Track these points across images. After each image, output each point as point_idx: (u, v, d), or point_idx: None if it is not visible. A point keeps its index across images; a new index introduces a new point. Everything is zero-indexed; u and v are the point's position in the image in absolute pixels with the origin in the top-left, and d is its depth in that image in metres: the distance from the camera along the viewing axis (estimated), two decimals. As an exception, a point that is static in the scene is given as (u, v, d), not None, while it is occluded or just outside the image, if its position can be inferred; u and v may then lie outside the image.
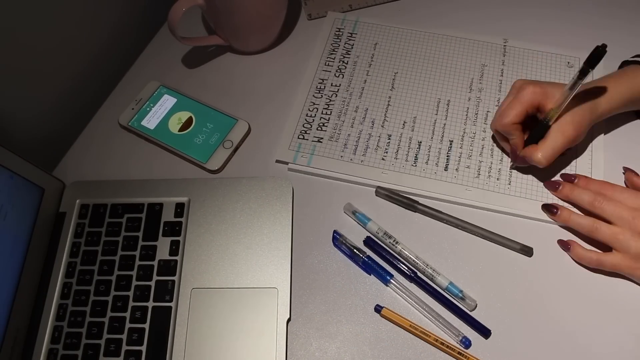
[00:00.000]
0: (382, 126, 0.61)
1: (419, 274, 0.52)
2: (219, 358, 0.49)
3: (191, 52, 0.69)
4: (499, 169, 0.57)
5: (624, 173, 0.57)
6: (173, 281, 0.52)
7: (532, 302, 0.51)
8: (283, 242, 0.54)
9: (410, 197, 0.56)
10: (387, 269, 0.53)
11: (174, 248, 0.54)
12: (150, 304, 0.51)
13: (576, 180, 0.55)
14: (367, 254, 0.53)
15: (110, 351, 0.49)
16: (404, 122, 0.61)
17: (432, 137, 0.60)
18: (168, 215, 0.56)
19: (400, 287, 0.51)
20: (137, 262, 0.53)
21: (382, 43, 0.68)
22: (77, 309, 0.51)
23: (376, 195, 0.56)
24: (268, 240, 0.54)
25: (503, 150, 0.59)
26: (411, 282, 0.52)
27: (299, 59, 0.68)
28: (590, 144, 0.59)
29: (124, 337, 0.50)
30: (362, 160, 0.58)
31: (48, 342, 0.50)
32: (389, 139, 0.60)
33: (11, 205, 0.49)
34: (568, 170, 0.57)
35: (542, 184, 0.56)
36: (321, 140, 0.60)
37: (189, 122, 0.62)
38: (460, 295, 0.50)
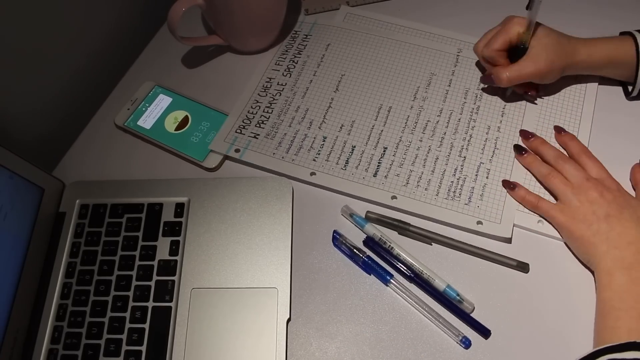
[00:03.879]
0: (319, 127, 0.61)
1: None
2: (219, 358, 0.49)
3: (191, 52, 0.69)
4: (429, 180, 0.57)
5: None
6: (173, 281, 0.52)
7: (531, 304, 0.51)
8: (283, 242, 0.54)
9: (402, 220, 0.55)
10: (387, 269, 0.53)
11: (174, 248, 0.54)
12: (150, 304, 0.51)
13: (532, 139, 0.58)
14: (367, 254, 0.53)
15: (110, 351, 0.49)
16: (342, 125, 0.61)
17: (366, 143, 0.59)
18: (168, 215, 0.56)
19: (400, 287, 0.51)
20: (137, 262, 0.53)
21: (334, 44, 0.67)
22: (77, 309, 0.51)
23: (366, 218, 0.55)
24: (268, 240, 0.54)
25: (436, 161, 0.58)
26: (411, 282, 0.52)
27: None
28: (580, 114, 0.60)
29: (124, 337, 0.50)
30: (293, 160, 0.59)
31: (48, 342, 0.50)
32: (324, 140, 0.60)
33: (11, 205, 0.49)
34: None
35: (470, 200, 0.55)
36: (257, 136, 0.60)
37: (185, 121, 0.62)
38: (458, 298, 0.50)
